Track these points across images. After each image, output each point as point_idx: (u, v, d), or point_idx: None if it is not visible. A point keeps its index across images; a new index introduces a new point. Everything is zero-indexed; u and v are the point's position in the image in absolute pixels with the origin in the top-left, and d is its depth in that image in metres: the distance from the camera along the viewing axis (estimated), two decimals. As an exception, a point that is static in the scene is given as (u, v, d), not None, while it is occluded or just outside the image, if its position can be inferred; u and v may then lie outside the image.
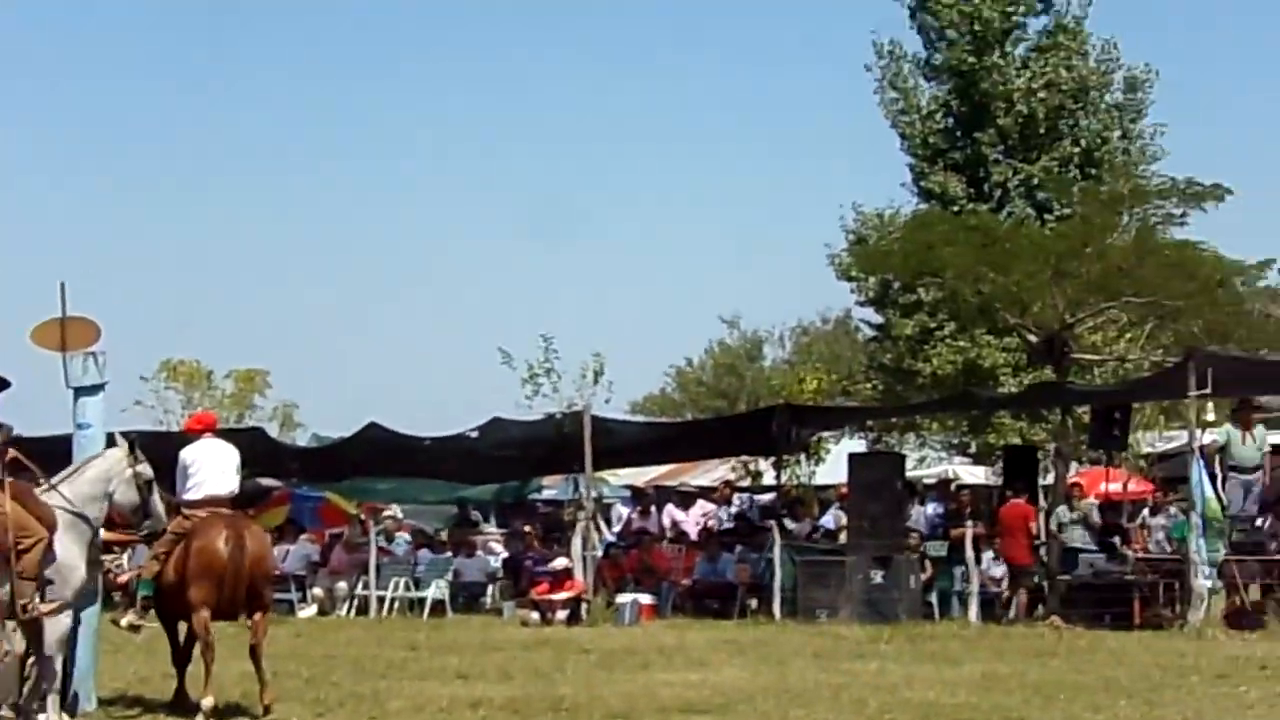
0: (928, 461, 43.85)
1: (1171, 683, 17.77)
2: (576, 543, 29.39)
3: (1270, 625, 23.72)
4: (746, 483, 39.72)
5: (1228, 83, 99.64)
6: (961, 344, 39.93)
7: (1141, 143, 42.31)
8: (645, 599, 28.09)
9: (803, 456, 36.81)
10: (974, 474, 41.65)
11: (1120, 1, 71.41)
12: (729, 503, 32.70)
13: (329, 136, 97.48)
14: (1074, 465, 33.89)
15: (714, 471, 43.34)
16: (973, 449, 43.37)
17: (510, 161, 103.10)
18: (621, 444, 32.37)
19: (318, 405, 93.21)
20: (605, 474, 37.36)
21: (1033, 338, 32.59)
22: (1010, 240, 32.46)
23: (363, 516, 32.50)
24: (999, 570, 27.47)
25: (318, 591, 30.86)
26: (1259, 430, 26.43)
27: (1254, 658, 19.97)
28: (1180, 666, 19.26)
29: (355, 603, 30.59)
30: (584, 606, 27.56)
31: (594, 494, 31.73)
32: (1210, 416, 27.60)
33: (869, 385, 43.99)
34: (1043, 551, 27.87)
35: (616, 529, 32.85)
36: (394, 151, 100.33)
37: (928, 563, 27.57)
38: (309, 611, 30.20)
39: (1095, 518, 27.33)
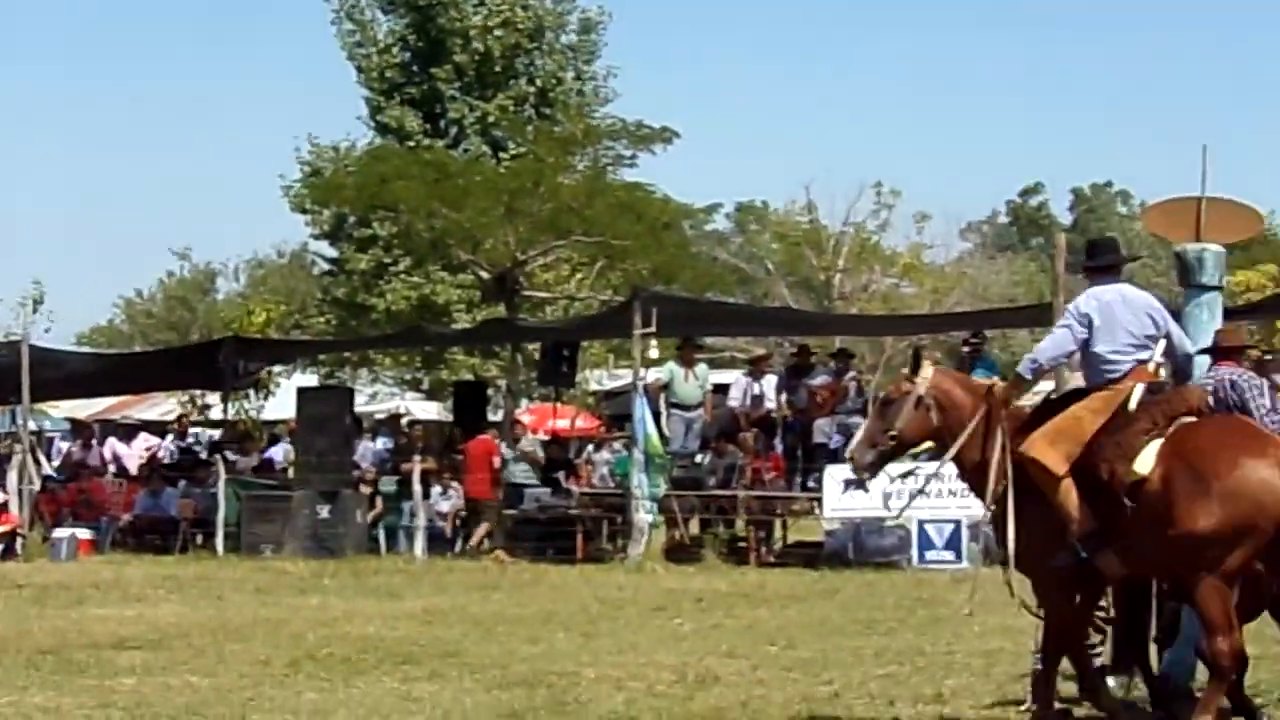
0: (380, 397, 43.69)
1: (609, 615, 18.03)
2: (12, 476, 28.21)
3: (707, 559, 24.33)
4: (196, 417, 38.86)
5: (680, 28, 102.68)
6: (416, 280, 39.94)
7: (595, 84, 43.01)
8: (84, 534, 27.16)
9: (251, 391, 36.15)
10: (426, 410, 41.65)
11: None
12: (184, 436, 31.92)
13: None
14: (525, 401, 34.24)
15: (161, 405, 42.18)
16: (426, 385, 43.48)
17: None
18: (63, 375, 31.25)
19: None
20: (46, 406, 35.99)
21: (485, 274, 32.71)
22: (464, 176, 32.55)
23: None
24: (446, 505, 27.48)
25: None
26: (701, 369, 27.12)
27: (690, 590, 20.44)
28: (619, 599, 19.61)
29: None
30: (19, 541, 26.51)
31: (33, 426, 30.54)
32: (654, 354, 28.11)
33: (322, 319, 43.63)
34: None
35: (56, 462, 31.69)
36: None
37: (377, 498, 27.40)
38: None
39: (540, 454, 27.59)
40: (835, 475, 23.19)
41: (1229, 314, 31.95)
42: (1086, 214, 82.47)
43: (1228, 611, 9.82)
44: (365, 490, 27.22)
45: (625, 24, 77.14)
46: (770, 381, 26.90)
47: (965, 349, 26.42)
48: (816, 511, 25.31)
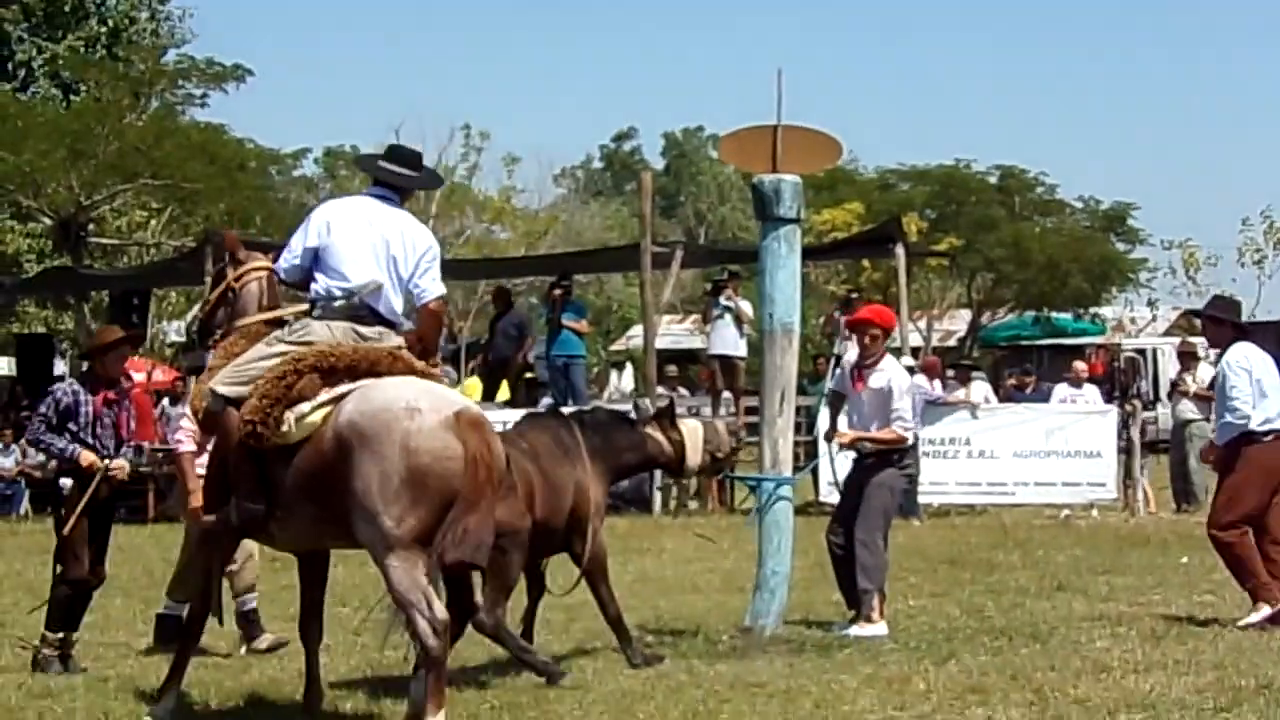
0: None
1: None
2: None
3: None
4: None
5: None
6: (-19, 228, 37.72)
7: (170, 25, 41.29)
8: None
9: None
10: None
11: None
12: None
13: None
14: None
15: None
16: (-3, 340, 41.30)
17: None
18: None
19: None
20: None
21: (48, 220, 31.02)
22: (23, 118, 30.73)
23: None
24: (8, 462, 25.95)
25: None
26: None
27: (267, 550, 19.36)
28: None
29: None
30: None
31: None
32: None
33: (-116, 272, 41.00)
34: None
35: None
36: None
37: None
38: None
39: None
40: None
41: (814, 253, 32.33)
42: (678, 159, 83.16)
43: None
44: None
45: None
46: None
47: (555, 292, 25.88)
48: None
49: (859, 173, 47.83)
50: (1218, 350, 13.06)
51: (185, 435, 12.29)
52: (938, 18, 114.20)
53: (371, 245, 9.34)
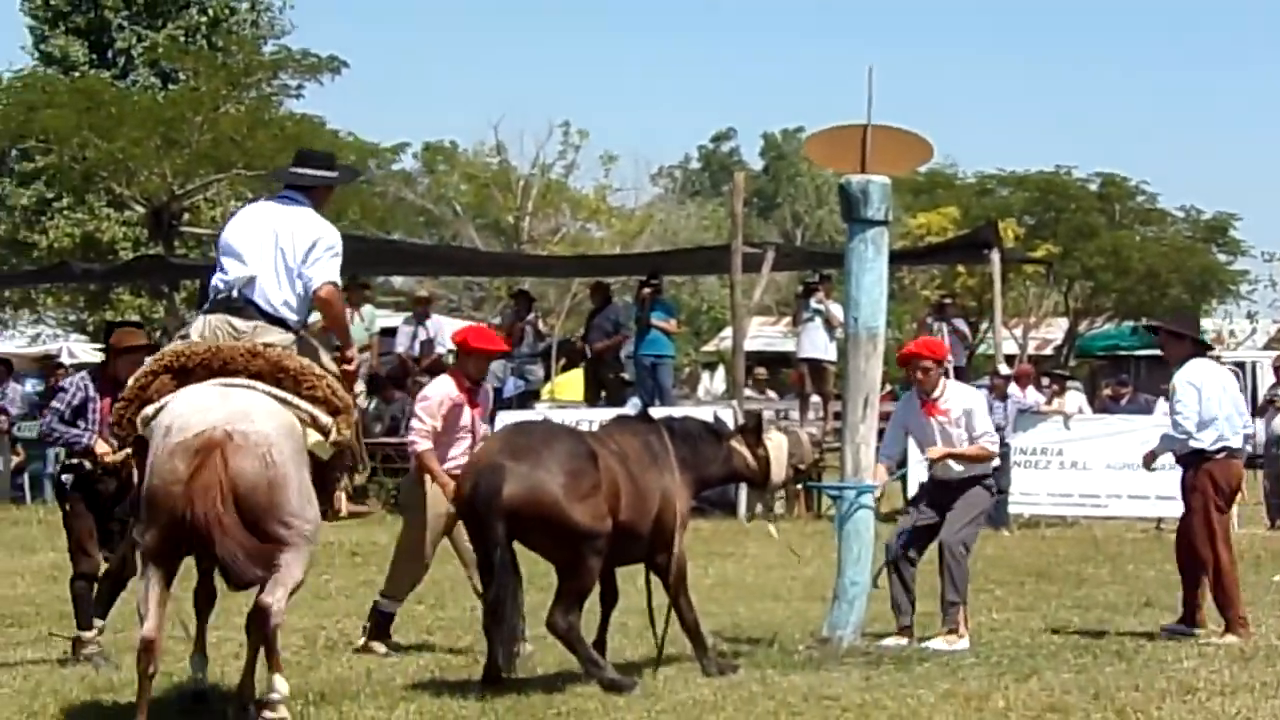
0: (44, 339, 41.68)
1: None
2: None
3: (372, 510, 23.26)
4: None
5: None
6: (80, 216, 37.89)
7: (270, 16, 41.38)
8: None
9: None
10: (90, 352, 39.72)
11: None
12: None
13: None
14: (187, 343, 32.59)
15: None
16: (90, 327, 41.51)
17: None
18: None
19: None
20: None
21: (141, 208, 31.07)
22: (117, 105, 30.78)
23: None
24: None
25: None
26: (367, 310, 25.95)
27: (347, 543, 19.33)
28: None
29: None
30: None
31: None
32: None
33: (-20, 258, 41.32)
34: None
35: None
36: None
37: (19, 445, 25.79)
38: None
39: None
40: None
41: (908, 256, 31.95)
42: (777, 160, 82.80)
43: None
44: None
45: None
46: (439, 324, 25.91)
47: (645, 291, 25.69)
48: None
49: (957, 177, 47.36)
50: (1176, 365, 12.94)
51: (418, 435, 12.23)
52: (1039, 21, 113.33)
53: (257, 240, 9.45)
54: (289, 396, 9.18)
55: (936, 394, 12.39)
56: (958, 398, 12.52)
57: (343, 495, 9.86)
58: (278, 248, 9.39)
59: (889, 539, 12.53)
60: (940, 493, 12.43)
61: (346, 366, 9.73)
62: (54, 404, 11.87)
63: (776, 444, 11.65)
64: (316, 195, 9.80)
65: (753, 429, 11.62)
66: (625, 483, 10.48)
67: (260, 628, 9.03)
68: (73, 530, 11.78)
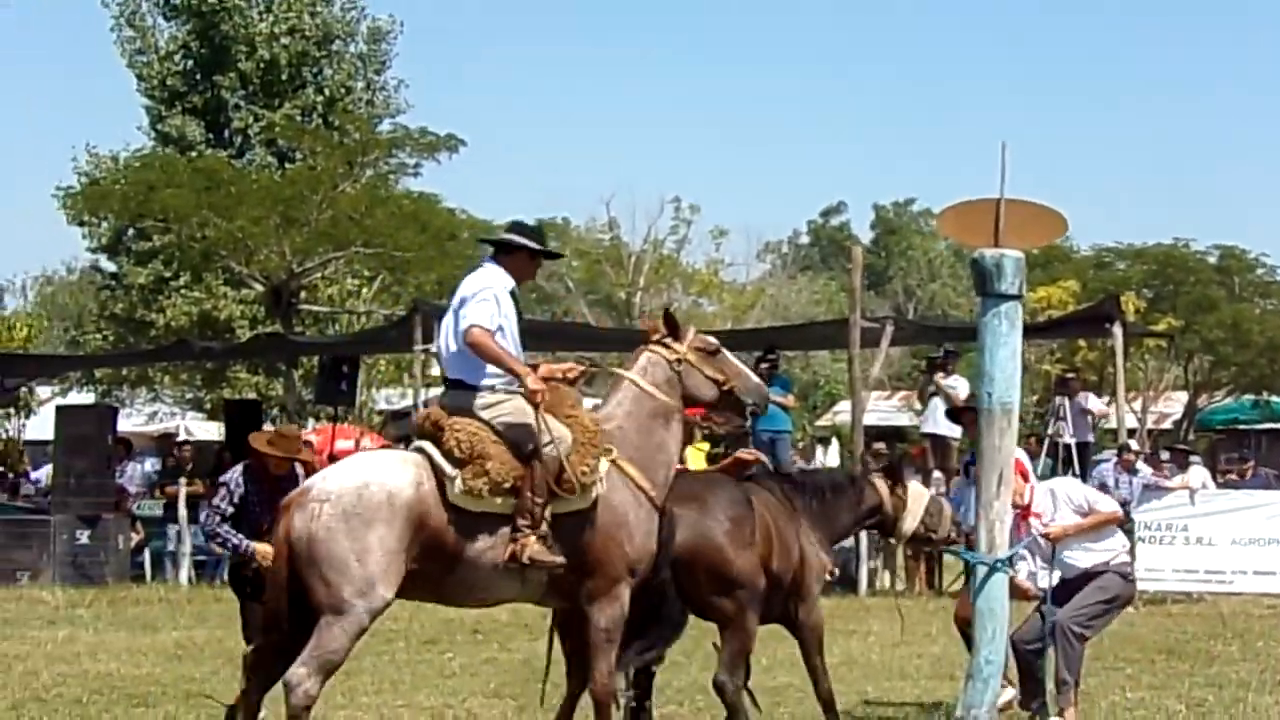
0: (160, 417, 42.04)
1: (377, 649, 16.56)
2: None
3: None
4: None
5: (475, 40, 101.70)
6: (197, 294, 38.28)
7: (385, 94, 41.78)
8: None
9: (12, 409, 34.37)
10: (208, 430, 40.06)
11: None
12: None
13: None
14: (312, 422, 32.86)
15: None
16: (208, 404, 41.88)
17: None
18: None
19: None
20: None
21: (259, 286, 31.32)
22: (236, 184, 31.10)
23: None
24: (210, 528, 26.04)
25: None
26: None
27: (468, 621, 18.87)
28: (390, 631, 18.00)
29: None
30: None
31: None
32: (436, 371, 26.92)
33: (99, 335, 41.83)
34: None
35: None
36: None
37: (138, 523, 25.92)
38: None
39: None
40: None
41: (1030, 330, 31.57)
42: (887, 235, 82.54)
43: None
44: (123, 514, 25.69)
45: (421, 36, 75.84)
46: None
47: (762, 366, 25.52)
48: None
49: (1074, 250, 47.01)
50: None
51: None
52: (1155, 91, 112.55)
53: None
54: (426, 445, 9.40)
55: (1025, 506, 12.10)
56: (1055, 494, 12.23)
57: (530, 541, 9.33)
58: (453, 313, 9.62)
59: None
60: (1069, 591, 12.07)
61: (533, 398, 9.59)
62: (214, 502, 11.96)
63: (915, 493, 11.68)
64: (514, 265, 9.91)
65: (895, 471, 11.64)
66: (775, 533, 10.44)
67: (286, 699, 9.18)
68: (247, 624, 11.93)
